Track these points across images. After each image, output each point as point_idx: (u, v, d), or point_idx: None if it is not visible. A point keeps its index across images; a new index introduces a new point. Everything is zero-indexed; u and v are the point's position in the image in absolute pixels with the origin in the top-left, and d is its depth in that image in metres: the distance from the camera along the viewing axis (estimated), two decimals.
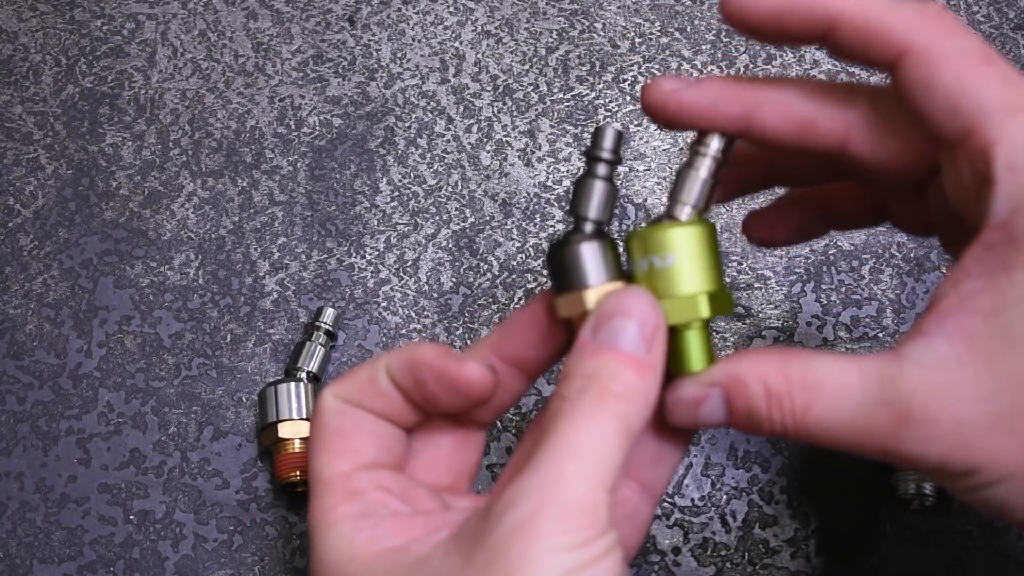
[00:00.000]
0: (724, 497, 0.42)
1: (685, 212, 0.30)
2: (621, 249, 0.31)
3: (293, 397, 0.42)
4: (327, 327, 0.44)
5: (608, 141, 0.30)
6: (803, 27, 0.28)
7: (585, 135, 0.49)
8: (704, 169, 0.30)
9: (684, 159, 0.31)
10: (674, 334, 0.30)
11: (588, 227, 0.30)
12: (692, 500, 0.42)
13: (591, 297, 0.29)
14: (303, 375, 0.44)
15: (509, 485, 0.26)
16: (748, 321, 0.45)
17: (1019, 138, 0.25)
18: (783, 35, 0.29)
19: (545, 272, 0.47)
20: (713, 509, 0.42)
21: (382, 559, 0.27)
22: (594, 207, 0.30)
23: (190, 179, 0.49)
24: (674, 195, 0.31)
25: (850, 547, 0.41)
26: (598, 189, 0.30)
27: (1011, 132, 0.25)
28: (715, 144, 0.30)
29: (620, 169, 0.48)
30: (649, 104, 0.30)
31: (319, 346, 0.44)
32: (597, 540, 0.25)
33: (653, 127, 0.49)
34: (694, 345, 0.30)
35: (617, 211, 0.48)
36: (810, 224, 0.36)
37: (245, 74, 0.51)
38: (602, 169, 0.30)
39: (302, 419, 0.42)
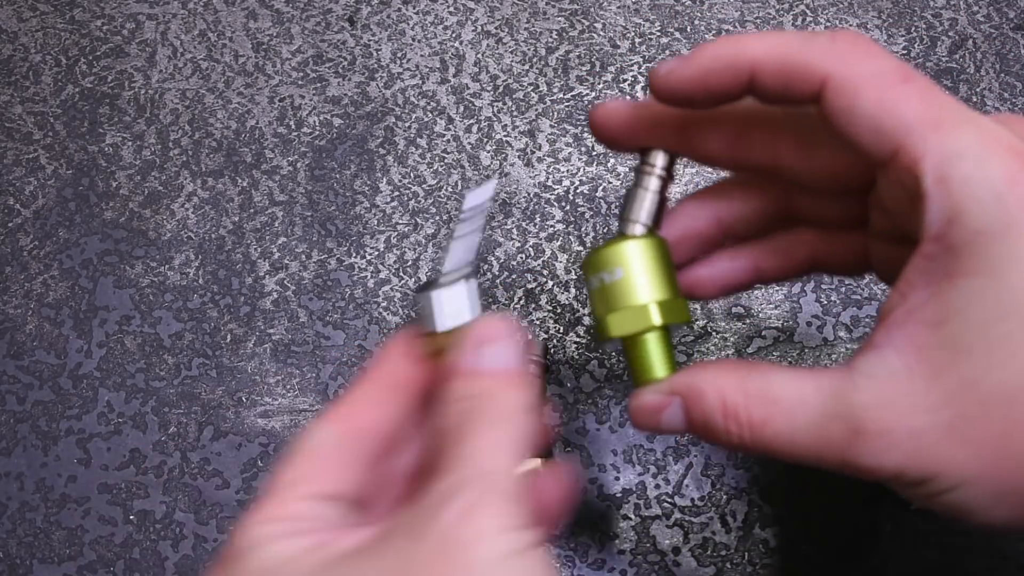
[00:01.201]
0: (724, 497, 0.42)
1: (635, 228, 0.32)
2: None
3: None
4: None
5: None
6: (728, 82, 0.29)
7: (585, 135, 0.49)
8: (651, 185, 0.32)
9: (631, 180, 0.32)
10: (633, 344, 0.31)
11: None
12: (692, 500, 0.42)
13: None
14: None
15: (438, 480, 0.26)
16: (748, 321, 0.45)
17: (944, 150, 0.26)
18: (712, 95, 0.30)
19: (545, 272, 0.47)
20: (713, 509, 0.42)
21: (295, 560, 0.27)
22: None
23: (190, 179, 0.49)
24: (623, 214, 0.32)
25: (850, 547, 0.41)
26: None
27: (936, 146, 0.26)
28: (659, 160, 0.32)
29: (620, 169, 0.48)
30: (596, 125, 0.32)
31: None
32: (530, 528, 0.26)
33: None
34: (653, 353, 0.31)
35: (617, 211, 0.48)
36: (738, 278, 0.36)
37: (245, 74, 0.51)
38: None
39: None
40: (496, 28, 0.52)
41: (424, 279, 0.47)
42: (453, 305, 0.31)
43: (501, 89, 0.50)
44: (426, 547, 0.25)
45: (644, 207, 0.32)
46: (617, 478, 0.43)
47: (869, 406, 0.26)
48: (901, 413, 0.26)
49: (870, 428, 0.26)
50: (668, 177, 0.32)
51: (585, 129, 0.49)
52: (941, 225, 0.26)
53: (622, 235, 0.32)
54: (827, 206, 0.33)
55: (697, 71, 0.29)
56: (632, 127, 0.32)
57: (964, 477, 0.26)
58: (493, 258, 0.47)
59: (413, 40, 0.52)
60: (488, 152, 0.49)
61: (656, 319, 0.30)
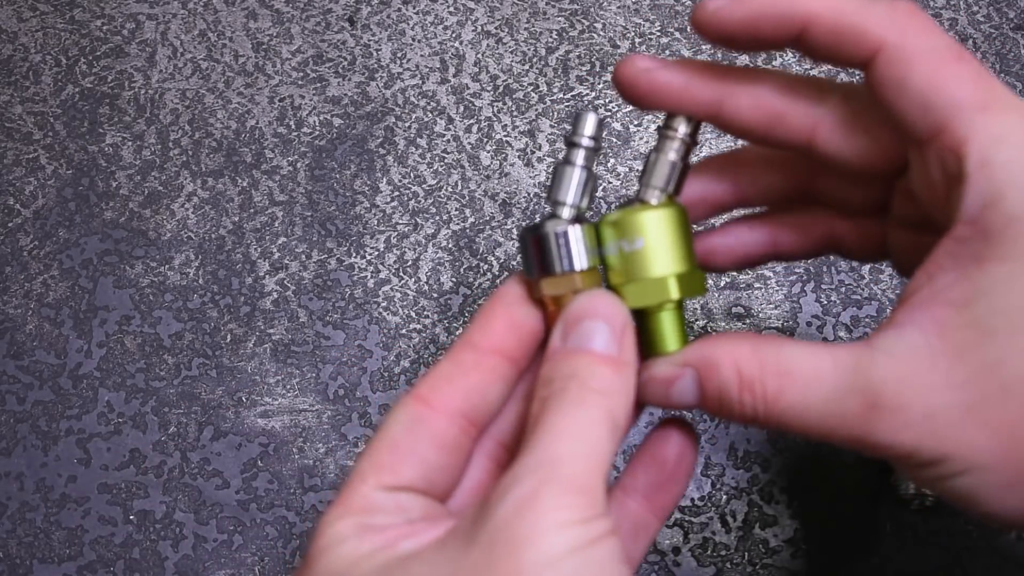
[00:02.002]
0: (724, 497, 0.42)
1: (655, 196, 0.30)
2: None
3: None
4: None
5: (588, 128, 0.30)
6: (777, 31, 0.28)
7: None
8: (672, 152, 0.30)
9: (653, 143, 0.31)
10: (647, 316, 0.30)
11: (566, 212, 0.31)
12: (692, 500, 0.42)
13: (578, 280, 0.30)
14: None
15: (504, 474, 0.26)
16: (748, 321, 0.45)
17: (990, 134, 0.26)
18: (757, 41, 0.29)
19: None
20: (713, 509, 0.42)
21: (363, 561, 0.27)
22: (573, 192, 0.31)
23: (190, 179, 0.49)
24: (644, 179, 0.31)
25: (850, 547, 0.41)
26: (577, 176, 0.31)
27: (982, 129, 0.26)
28: (683, 127, 0.30)
29: (620, 169, 0.48)
30: (621, 81, 0.30)
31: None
32: (598, 520, 0.25)
33: (654, 127, 0.49)
34: (667, 326, 0.30)
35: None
36: (755, 250, 0.35)
37: (245, 74, 0.51)
38: (582, 155, 0.31)
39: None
40: (496, 28, 0.52)
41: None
42: (567, 247, 0.30)
43: (501, 89, 0.50)
44: (475, 552, 0.24)
45: (664, 174, 0.30)
46: (617, 478, 0.43)
47: (887, 381, 0.26)
48: (920, 390, 0.26)
49: (887, 403, 0.26)
50: (692, 143, 0.31)
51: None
52: (977, 208, 0.26)
53: (643, 202, 0.31)
54: (850, 189, 0.32)
55: (748, 14, 0.28)
56: (661, 87, 0.30)
57: (978, 461, 0.25)
58: (493, 258, 0.47)
59: (413, 40, 0.52)
60: (488, 152, 0.49)
61: (675, 293, 0.30)
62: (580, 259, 0.30)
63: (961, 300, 0.26)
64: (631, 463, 0.33)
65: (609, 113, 0.50)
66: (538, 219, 0.48)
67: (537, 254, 0.30)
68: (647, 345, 0.30)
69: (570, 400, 0.27)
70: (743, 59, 0.51)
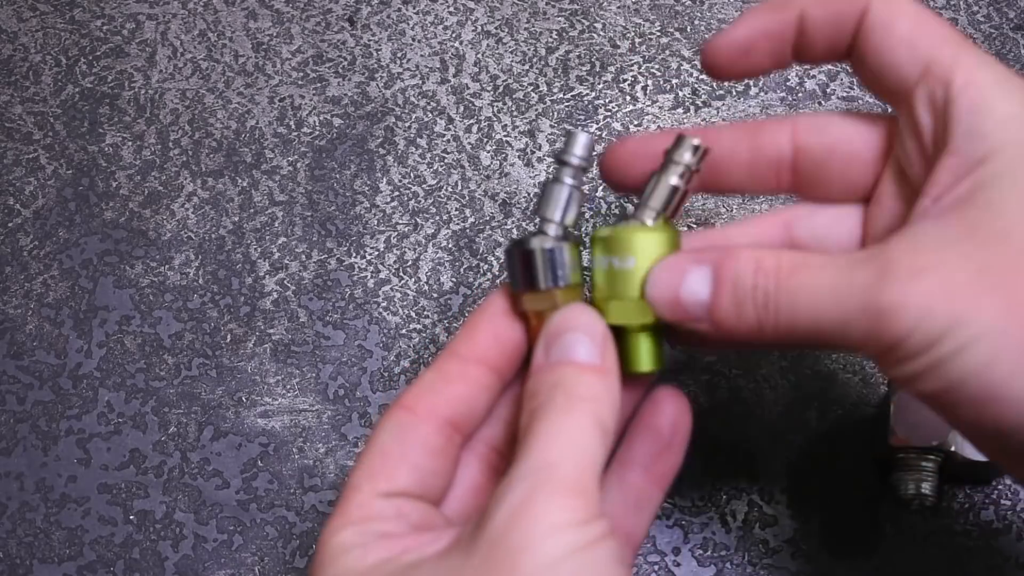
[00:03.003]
0: (724, 497, 0.42)
1: (651, 217, 0.31)
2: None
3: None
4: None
5: (580, 148, 0.31)
6: (779, 34, 0.31)
7: None
8: (675, 177, 0.31)
9: (659, 165, 0.31)
10: (625, 334, 0.31)
11: (553, 229, 0.31)
12: (692, 500, 0.42)
13: (561, 296, 0.30)
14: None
15: (499, 483, 0.26)
16: None
17: (971, 62, 0.28)
18: (762, 58, 0.31)
19: None
20: (713, 509, 0.42)
21: (369, 573, 0.27)
22: (560, 210, 0.31)
23: (190, 179, 0.49)
24: (643, 199, 0.31)
25: (850, 547, 0.41)
26: (566, 194, 0.31)
27: (965, 59, 0.28)
28: (688, 155, 0.31)
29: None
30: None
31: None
32: (594, 522, 0.25)
33: (653, 127, 0.49)
34: (644, 346, 0.31)
35: (617, 211, 0.48)
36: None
37: (245, 74, 0.51)
38: (571, 174, 0.31)
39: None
40: (496, 28, 0.52)
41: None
42: (551, 264, 0.31)
43: (501, 89, 0.50)
44: (476, 559, 0.24)
45: (663, 197, 0.31)
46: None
47: (901, 251, 0.26)
48: (931, 258, 0.26)
49: (899, 267, 0.26)
50: (696, 171, 0.31)
51: (585, 129, 0.49)
52: (971, 119, 0.27)
53: (640, 222, 0.31)
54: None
55: (746, 30, 0.31)
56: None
57: (988, 327, 0.25)
58: (493, 258, 0.47)
59: (413, 40, 0.52)
60: (488, 152, 0.49)
61: (651, 316, 0.30)
62: (564, 276, 0.31)
63: (966, 194, 0.27)
64: (627, 436, 0.33)
65: (609, 113, 0.50)
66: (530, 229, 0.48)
67: (522, 269, 0.31)
68: (621, 363, 0.30)
69: (558, 408, 0.27)
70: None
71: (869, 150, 0.31)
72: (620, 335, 0.31)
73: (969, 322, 0.25)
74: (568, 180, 0.31)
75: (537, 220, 0.32)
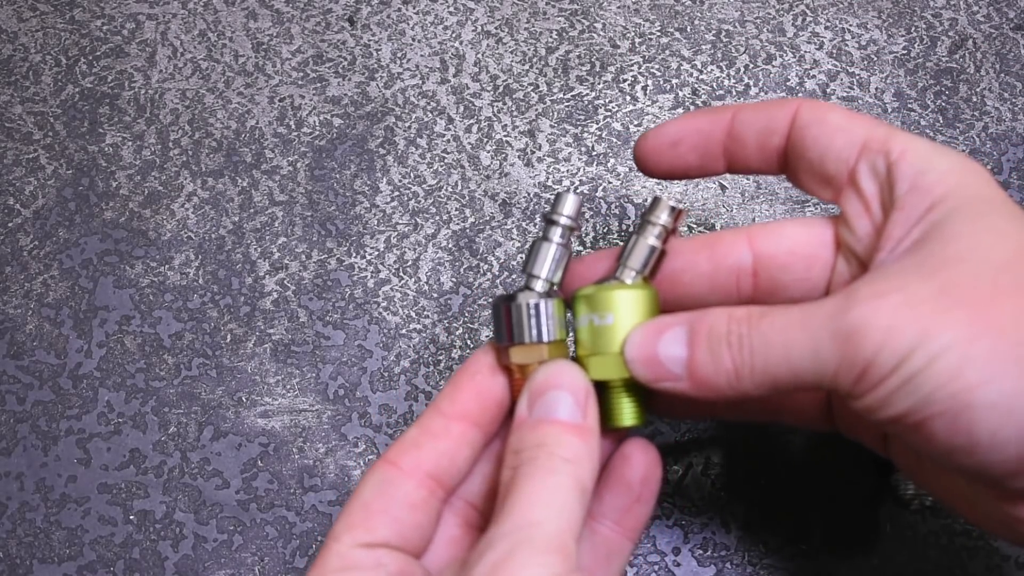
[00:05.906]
0: (724, 497, 0.42)
1: (630, 276, 0.32)
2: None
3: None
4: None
5: (568, 208, 0.33)
6: (709, 132, 0.33)
7: (585, 135, 0.49)
8: (652, 238, 0.33)
9: (636, 225, 0.33)
10: (608, 389, 0.32)
11: (540, 285, 0.32)
12: (692, 500, 0.42)
13: (546, 351, 0.32)
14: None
15: (479, 539, 0.27)
16: None
17: (902, 135, 0.31)
18: (694, 158, 0.34)
19: None
20: (713, 509, 0.42)
21: None
22: (548, 268, 0.33)
23: (190, 179, 0.49)
24: (622, 260, 0.33)
25: (850, 547, 0.41)
26: (553, 252, 0.33)
27: (897, 133, 0.31)
28: (665, 216, 0.32)
29: (620, 169, 0.48)
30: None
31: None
32: (572, 575, 0.26)
33: (653, 127, 0.49)
34: (625, 401, 0.32)
35: (617, 211, 0.48)
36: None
37: (245, 74, 0.51)
38: (559, 233, 0.33)
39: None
40: (496, 28, 0.52)
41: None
42: (537, 319, 0.32)
43: (501, 89, 0.50)
44: None
45: (645, 258, 0.32)
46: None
47: (863, 282, 0.28)
48: (894, 279, 0.27)
49: (863, 294, 0.27)
50: (673, 231, 0.33)
51: (585, 129, 0.49)
52: (915, 177, 0.29)
53: (619, 281, 0.32)
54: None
55: (678, 124, 0.34)
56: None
57: (955, 337, 0.25)
58: (493, 258, 0.47)
59: (413, 40, 0.52)
60: (488, 152, 0.49)
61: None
62: (549, 331, 0.31)
63: (920, 235, 0.29)
64: (598, 489, 0.34)
65: (609, 113, 0.50)
66: (530, 228, 0.48)
67: (508, 323, 0.32)
68: (604, 417, 0.31)
69: (540, 468, 0.28)
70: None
71: (825, 247, 0.33)
72: (603, 390, 0.32)
73: (937, 335, 0.26)
74: (556, 239, 0.33)
75: (524, 276, 0.33)
